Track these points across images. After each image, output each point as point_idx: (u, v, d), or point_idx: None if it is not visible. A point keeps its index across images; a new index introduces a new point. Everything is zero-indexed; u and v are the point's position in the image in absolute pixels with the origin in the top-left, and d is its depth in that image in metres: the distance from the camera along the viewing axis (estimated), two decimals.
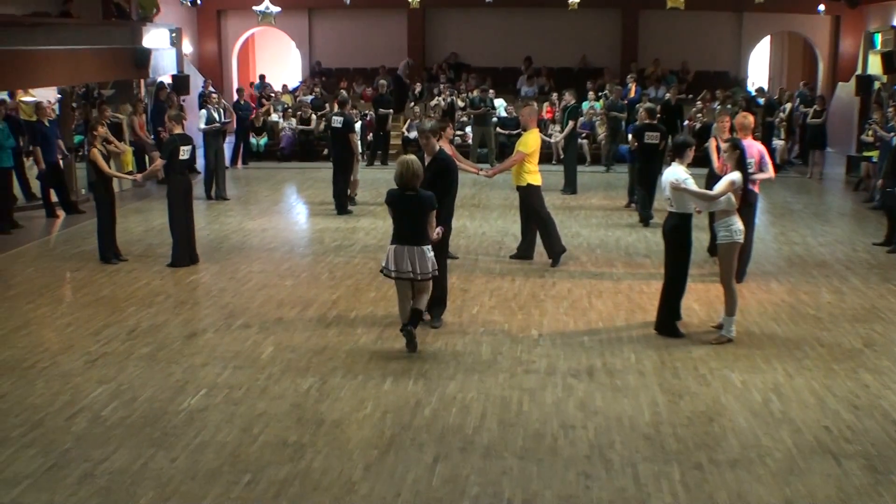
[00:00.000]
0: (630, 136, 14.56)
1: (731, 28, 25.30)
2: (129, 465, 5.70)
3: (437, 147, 8.38)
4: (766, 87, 24.25)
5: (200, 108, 17.14)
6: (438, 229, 7.83)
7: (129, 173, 14.20)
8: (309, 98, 22.64)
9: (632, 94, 21.21)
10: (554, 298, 9.58)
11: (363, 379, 7.20)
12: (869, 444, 6.04)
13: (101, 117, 13.52)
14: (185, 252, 10.88)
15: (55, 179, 14.30)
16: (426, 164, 8.08)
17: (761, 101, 21.18)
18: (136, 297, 9.60)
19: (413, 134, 20.72)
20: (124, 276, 10.51)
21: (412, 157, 7.72)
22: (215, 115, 16.07)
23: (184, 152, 10.77)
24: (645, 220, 13.55)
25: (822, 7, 21.48)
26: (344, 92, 17.91)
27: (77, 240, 12.51)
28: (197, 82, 21.32)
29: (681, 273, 8.25)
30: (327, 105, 21.69)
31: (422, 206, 7.58)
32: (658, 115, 18.14)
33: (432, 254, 7.68)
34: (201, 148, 15.83)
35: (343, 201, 14.49)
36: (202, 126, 15.81)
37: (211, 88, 19.61)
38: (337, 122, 14.53)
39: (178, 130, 10.92)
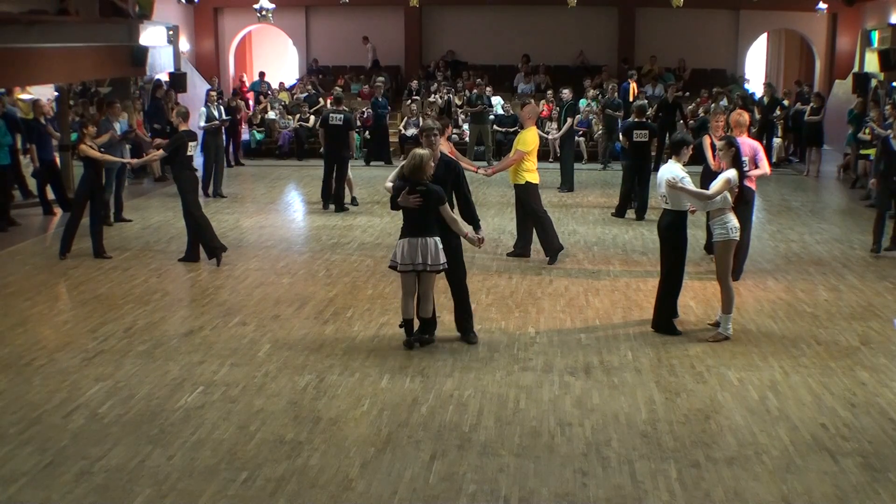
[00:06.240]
0: (621, 135, 14.66)
1: (727, 25, 25.34)
2: (126, 462, 5.70)
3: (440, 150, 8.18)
4: (762, 85, 24.24)
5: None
6: (481, 235, 8.01)
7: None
8: (303, 96, 22.63)
9: (634, 95, 20.80)
10: (551, 296, 9.59)
11: (360, 376, 7.20)
12: (866, 442, 6.05)
13: (111, 114, 13.48)
14: (203, 247, 10.90)
15: (52, 177, 14.28)
16: (434, 168, 7.84)
17: (757, 97, 21.18)
18: (134, 295, 9.59)
19: (411, 132, 20.72)
20: (121, 273, 10.50)
21: (424, 150, 7.69)
22: (215, 113, 16.08)
23: (191, 148, 10.87)
24: (620, 212, 14.02)
25: (823, 5, 21.47)
26: (339, 89, 17.92)
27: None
28: (194, 80, 21.30)
29: (677, 270, 8.26)
30: (321, 100, 21.66)
31: (431, 200, 7.58)
32: (658, 114, 18.26)
33: (442, 246, 7.66)
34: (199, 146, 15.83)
35: (340, 198, 14.49)
36: (202, 124, 15.83)
37: (214, 87, 19.55)
38: (336, 119, 14.47)
39: (184, 127, 10.97)
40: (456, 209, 8.05)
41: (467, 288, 8.18)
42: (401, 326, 7.95)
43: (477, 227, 8.06)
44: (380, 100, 20.11)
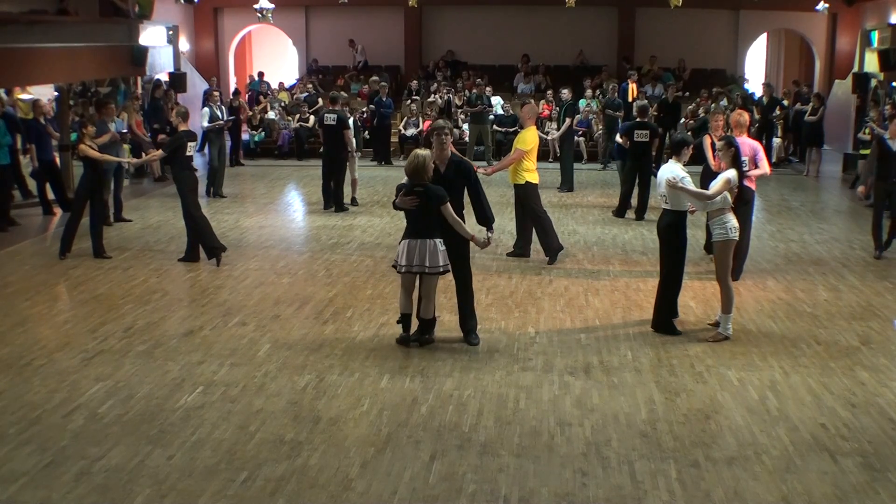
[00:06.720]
0: (619, 135, 14.66)
1: (727, 25, 25.35)
2: (125, 462, 5.70)
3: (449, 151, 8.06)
4: (761, 85, 24.25)
5: (203, 106, 17.06)
6: (489, 235, 7.89)
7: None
8: (303, 96, 22.62)
9: (633, 96, 20.80)
10: (551, 296, 9.59)
11: (360, 376, 7.20)
12: (865, 442, 6.05)
13: (105, 115, 13.45)
14: (202, 247, 10.91)
15: (51, 177, 14.28)
16: (444, 168, 7.88)
17: (757, 97, 21.17)
18: (133, 295, 9.59)
19: (411, 132, 20.73)
20: (121, 273, 10.51)
21: (425, 151, 7.69)
22: (218, 114, 16.05)
23: (190, 149, 10.87)
24: (621, 212, 14.05)
25: (825, 5, 21.45)
26: (344, 93, 17.87)
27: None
28: (194, 80, 21.29)
29: (676, 270, 8.26)
30: (321, 100, 21.64)
31: (430, 201, 7.57)
32: (656, 114, 18.26)
33: (444, 248, 7.65)
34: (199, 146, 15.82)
35: (339, 198, 14.48)
36: (206, 124, 15.78)
37: (214, 87, 19.54)
38: (330, 119, 14.44)
39: (183, 127, 10.96)
40: (468, 210, 7.99)
41: (472, 290, 8.16)
42: (399, 322, 7.94)
43: (490, 228, 8.00)
44: (384, 100, 20.08)
